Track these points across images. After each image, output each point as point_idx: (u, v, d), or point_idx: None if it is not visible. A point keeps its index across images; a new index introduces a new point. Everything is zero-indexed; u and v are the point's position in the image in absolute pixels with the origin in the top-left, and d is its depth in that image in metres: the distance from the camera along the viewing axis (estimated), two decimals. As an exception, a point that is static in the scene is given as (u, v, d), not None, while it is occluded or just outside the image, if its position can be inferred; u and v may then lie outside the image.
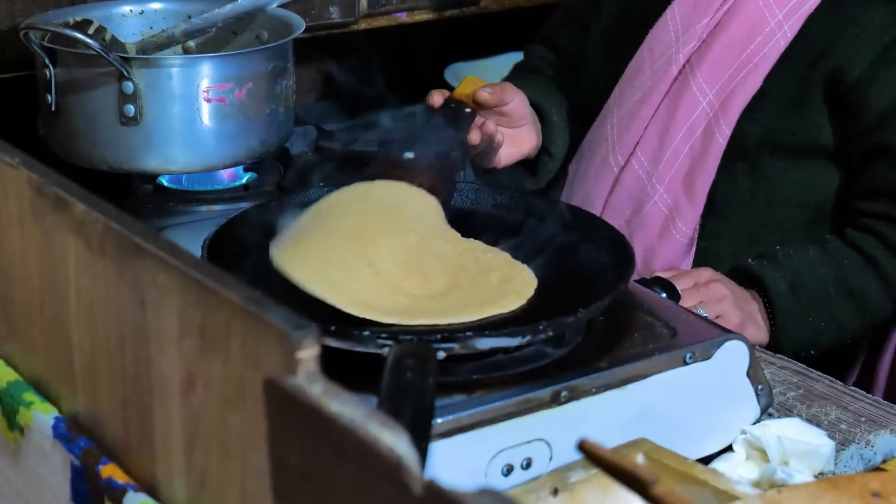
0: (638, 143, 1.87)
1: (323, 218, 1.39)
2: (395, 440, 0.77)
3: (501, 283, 1.37)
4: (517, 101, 1.80)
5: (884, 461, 1.41)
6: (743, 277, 1.79)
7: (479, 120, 1.73)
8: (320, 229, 1.36)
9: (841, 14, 1.80)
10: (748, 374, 1.36)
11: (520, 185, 1.96)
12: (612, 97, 1.93)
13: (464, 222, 1.53)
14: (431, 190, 1.49)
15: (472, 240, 1.46)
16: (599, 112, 1.95)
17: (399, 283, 1.32)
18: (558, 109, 1.97)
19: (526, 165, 1.94)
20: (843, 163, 1.83)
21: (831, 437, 1.38)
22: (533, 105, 1.89)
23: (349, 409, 0.80)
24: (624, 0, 1.98)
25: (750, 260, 1.81)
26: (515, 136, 1.82)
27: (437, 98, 1.74)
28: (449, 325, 1.27)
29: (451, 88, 2.54)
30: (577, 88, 2.03)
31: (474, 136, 1.72)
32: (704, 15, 1.85)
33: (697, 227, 1.85)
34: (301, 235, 1.36)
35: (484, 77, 1.81)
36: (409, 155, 1.54)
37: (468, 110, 1.72)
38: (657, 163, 1.85)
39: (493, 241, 1.47)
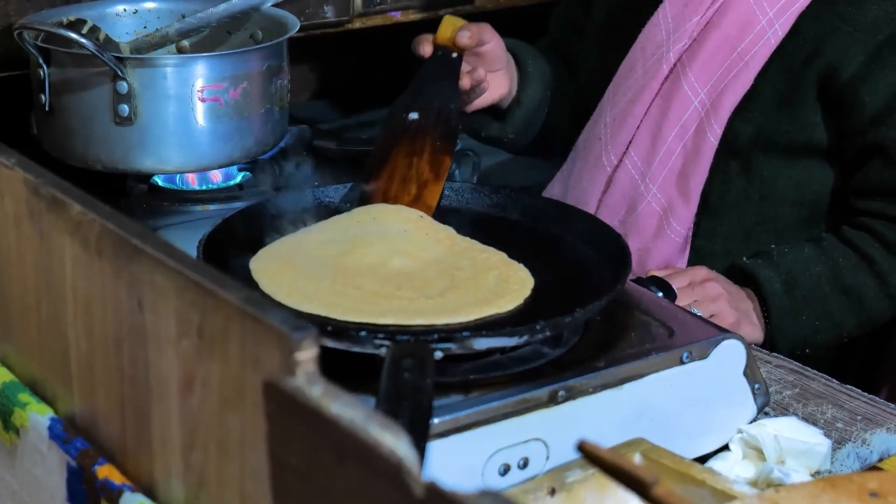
0: (631, 142, 1.87)
1: (305, 257, 1.40)
2: (396, 442, 0.77)
3: (498, 282, 1.37)
4: (494, 44, 1.82)
5: (880, 460, 1.41)
6: (738, 276, 1.80)
7: (466, 66, 1.76)
8: (304, 270, 1.37)
9: (833, 12, 1.80)
10: (745, 374, 1.36)
11: (488, 131, 1.97)
12: (605, 96, 1.93)
13: (460, 222, 1.53)
14: (440, 150, 1.54)
15: (467, 238, 1.46)
16: (593, 111, 1.95)
17: (391, 293, 1.33)
18: (534, 60, 1.98)
19: (492, 113, 1.95)
20: (837, 161, 1.84)
21: (827, 435, 1.38)
22: (510, 53, 1.90)
23: (349, 410, 0.80)
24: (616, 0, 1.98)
25: (745, 258, 1.81)
26: (490, 82, 1.83)
27: (426, 47, 1.75)
28: (446, 325, 1.27)
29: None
30: (572, 85, 2.03)
31: (465, 82, 1.76)
32: (695, 13, 1.85)
33: (692, 226, 1.85)
34: (284, 268, 1.37)
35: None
36: (414, 116, 1.57)
37: (454, 55, 1.74)
38: (650, 162, 1.85)
39: (488, 241, 1.47)
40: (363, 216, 1.49)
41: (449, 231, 1.47)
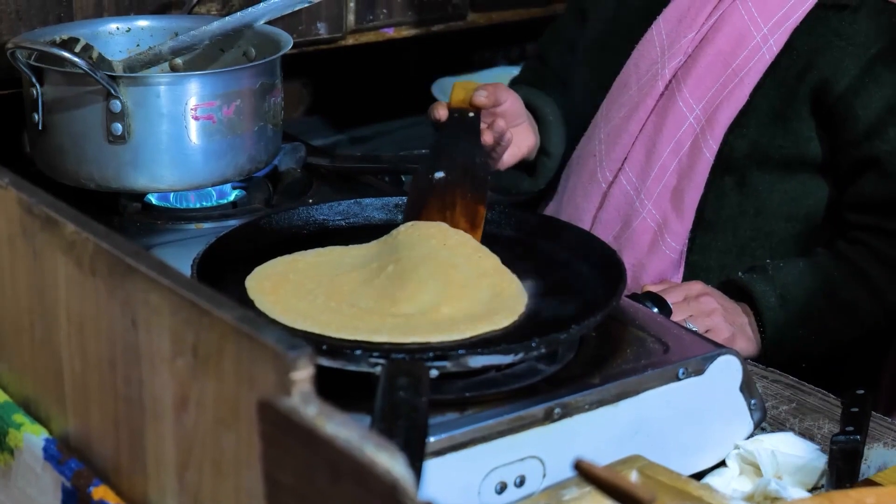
0: (625, 158, 1.87)
1: (300, 275, 1.40)
2: (391, 462, 0.76)
3: (492, 297, 1.36)
4: (511, 101, 1.85)
5: (876, 473, 1.40)
6: (733, 290, 1.79)
7: (485, 121, 1.77)
8: (298, 286, 1.38)
9: (826, 26, 1.80)
10: (741, 389, 1.36)
11: (520, 187, 1.98)
12: (599, 112, 1.93)
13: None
14: (471, 201, 1.53)
15: (460, 232, 1.47)
16: (587, 128, 1.95)
17: (386, 310, 1.32)
18: (552, 109, 2.00)
19: (524, 168, 1.96)
20: (831, 175, 1.84)
21: (824, 450, 1.38)
22: (527, 105, 1.93)
23: (344, 430, 0.80)
24: (610, 16, 1.99)
25: (740, 273, 1.81)
26: (514, 136, 1.86)
27: (441, 111, 1.77)
28: (441, 342, 1.27)
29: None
30: (567, 103, 2.04)
31: (487, 137, 1.78)
32: (689, 30, 1.85)
33: (687, 241, 1.85)
34: (279, 286, 1.38)
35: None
36: (440, 175, 1.56)
37: (471, 115, 1.76)
38: (645, 178, 1.85)
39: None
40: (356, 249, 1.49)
41: (441, 225, 1.48)
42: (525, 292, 1.39)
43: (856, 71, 1.78)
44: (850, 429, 1.40)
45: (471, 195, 1.55)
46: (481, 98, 1.77)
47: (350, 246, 1.49)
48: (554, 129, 1.98)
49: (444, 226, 1.48)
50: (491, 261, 1.43)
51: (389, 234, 1.49)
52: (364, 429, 0.80)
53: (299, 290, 1.37)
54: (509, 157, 1.86)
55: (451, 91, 1.82)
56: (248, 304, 1.35)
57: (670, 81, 1.85)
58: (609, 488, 0.89)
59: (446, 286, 1.36)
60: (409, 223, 1.49)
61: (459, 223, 1.51)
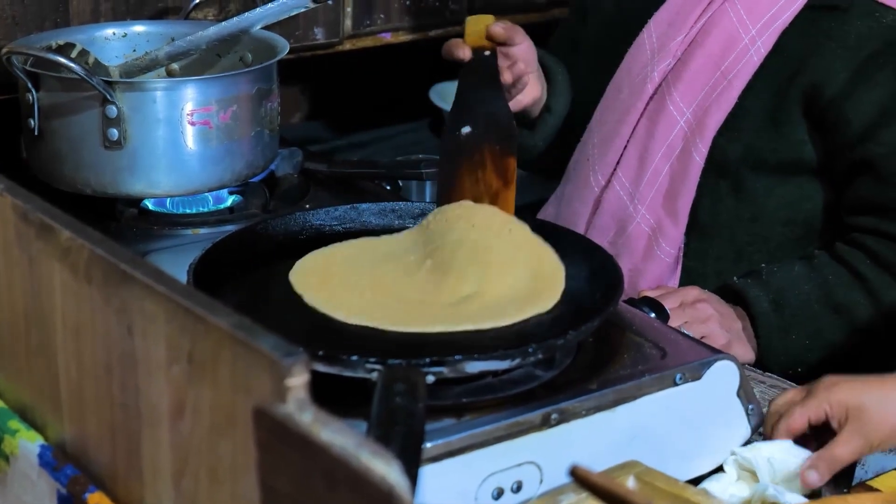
0: (618, 162, 1.86)
1: (341, 268, 1.43)
2: (386, 469, 0.76)
3: (532, 276, 1.39)
4: (526, 46, 1.83)
5: (873, 478, 1.40)
6: (728, 295, 1.79)
7: (505, 60, 1.76)
8: (344, 280, 1.40)
9: (817, 28, 1.79)
10: (738, 394, 1.36)
11: (520, 141, 1.97)
12: (593, 117, 1.92)
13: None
14: (500, 154, 1.54)
15: (484, 206, 1.49)
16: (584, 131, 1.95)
17: (433, 300, 1.36)
18: (562, 71, 1.98)
19: (524, 122, 1.95)
20: (828, 178, 1.83)
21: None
22: (540, 62, 1.90)
23: (340, 437, 0.79)
24: (609, 19, 1.98)
25: (735, 278, 1.80)
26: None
27: (464, 51, 1.74)
28: (491, 328, 1.31)
29: (437, 109, 2.55)
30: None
31: (507, 76, 1.77)
32: (679, 32, 1.84)
33: (682, 246, 1.84)
34: (326, 281, 1.40)
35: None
36: (466, 130, 1.56)
37: (487, 53, 1.73)
38: (638, 183, 1.84)
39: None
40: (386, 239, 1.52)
41: (464, 203, 1.50)
42: (561, 264, 1.41)
43: (847, 74, 1.77)
44: None
45: (499, 148, 1.56)
46: (498, 29, 1.75)
47: (382, 237, 1.51)
48: (560, 89, 1.96)
49: (467, 203, 1.49)
50: (521, 232, 1.45)
51: (419, 224, 1.51)
52: (359, 436, 0.80)
53: (346, 283, 1.39)
54: (515, 103, 1.84)
55: (466, 27, 1.78)
56: (296, 299, 1.37)
57: (661, 85, 1.84)
58: (605, 494, 0.89)
59: (486, 270, 1.38)
60: (436, 210, 1.51)
61: (492, 183, 1.54)
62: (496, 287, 1.37)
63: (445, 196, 1.56)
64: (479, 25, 1.76)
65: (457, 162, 1.56)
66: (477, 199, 1.54)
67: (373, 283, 1.39)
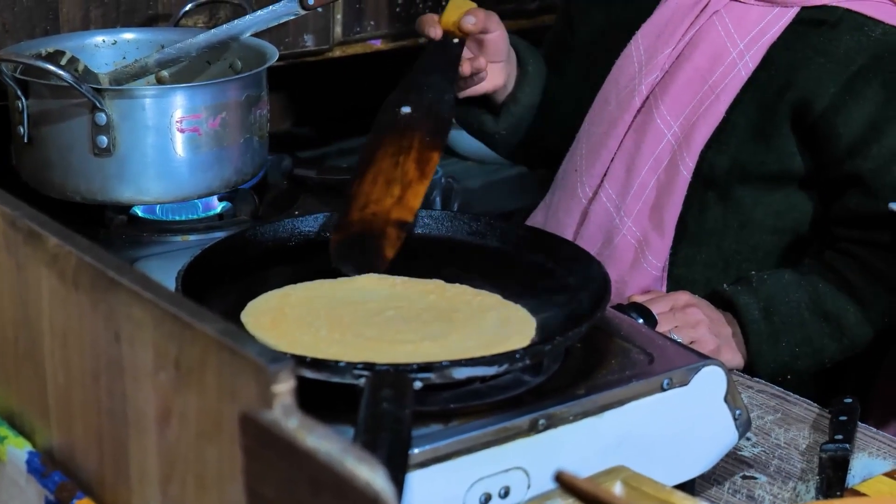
0: (605, 174, 1.85)
1: (295, 308, 1.39)
2: (371, 474, 0.76)
3: (500, 323, 1.36)
4: (498, 34, 1.82)
5: (860, 483, 1.41)
6: (718, 302, 1.79)
7: (468, 53, 1.76)
8: (298, 321, 1.36)
9: (805, 43, 1.79)
10: (726, 400, 1.36)
11: (483, 125, 1.97)
12: (581, 128, 1.92)
13: (439, 250, 1.53)
14: (428, 146, 1.53)
15: (457, 284, 1.45)
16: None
17: (394, 338, 1.32)
18: (536, 62, 1.97)
19: (488, 107, 1.94)
20: (816, 188, 1.83)
21: (809, 460, 1.38)
22: (514, 49, 1.90)
23: (325, 443, 0.79)
24: (598, 30, 1.98)
25: (725, 285, 1.80)
26: (488, 71, 1.84)
27: (436, 30, 1.74)
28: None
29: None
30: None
31: (465, 68, 1.77)
32: (666, 45, 1.83)
33: (668, 259, 1.84)
34: (279, 321, 1.36)
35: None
36: (406, 109, 1.56)
37: (456, 40, 1.73)
38: (625, 195, 1.84)
39: (468, 269, 1.47)
40: (347, 284, 1.46)
41: (437, 281, 1.46)
42: (532, 317, 1.38)
43: (835, 88, 1.77)
44: (840, 437, 1.40)
45: (429, 138, 1.56)
46: (469, 24, 1.74)
47: (339, 279, 1.47)
48: (530, 80, 1.95)
49: (440, 282, 1.46)
50: (492, 298, 1.43)
51: (380, 276, 1.46)
52: (345, 442, 0.80)
53: (300, 323, 1.35)
54: (473, 90, 1.84)
55: (446, 7, 1.78)
56: (242, 300, 1.35)
57: (648, 98, 1.83)
58: (590, 500, 0.89)
59: (451, 322, 1.36)
60: (405, 278, 1.46)
61: (410, 171, 1.52)
62: (461, 333, 1.34)
63: (361, 172, 1.55)
64: (459, 10, 1.75)
65: (385, 139, 1.56)
66: (389, 185, 1.52)
67: (329, 323, 1.35)
